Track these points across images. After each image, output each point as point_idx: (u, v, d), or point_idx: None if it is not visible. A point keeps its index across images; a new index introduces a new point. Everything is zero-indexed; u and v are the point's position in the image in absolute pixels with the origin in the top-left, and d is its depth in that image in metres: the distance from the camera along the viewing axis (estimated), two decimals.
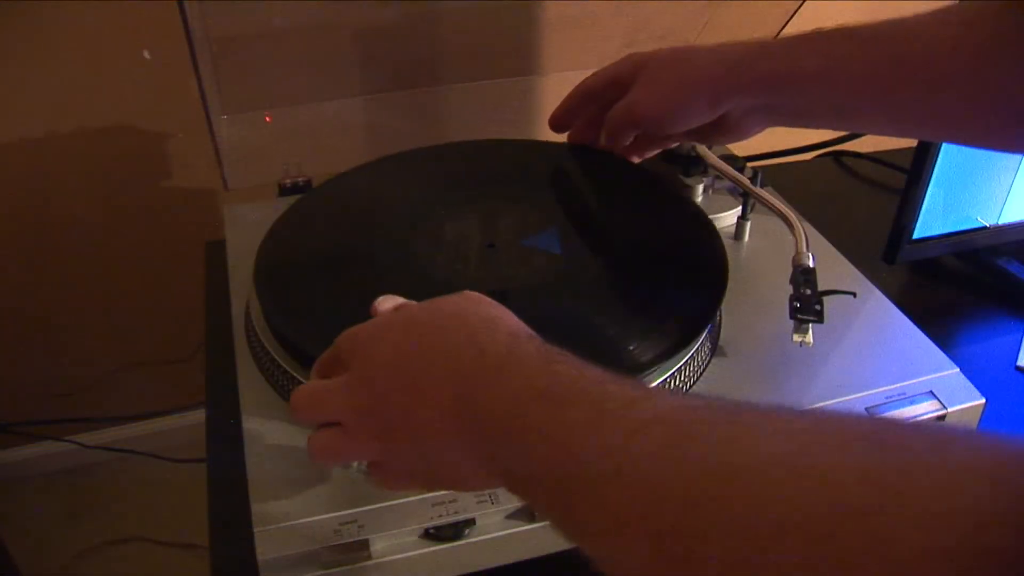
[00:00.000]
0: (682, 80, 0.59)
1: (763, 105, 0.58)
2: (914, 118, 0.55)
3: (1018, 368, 0.69)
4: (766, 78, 0.56)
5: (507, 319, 0.41)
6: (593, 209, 0.67)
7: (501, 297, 0.43)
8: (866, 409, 0.53)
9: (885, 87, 0.53)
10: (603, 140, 0.65)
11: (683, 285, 0.58)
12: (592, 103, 0.66)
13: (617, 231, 0.63)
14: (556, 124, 0.68)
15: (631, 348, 0.51)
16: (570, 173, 0.70)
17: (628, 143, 0.65)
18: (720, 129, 0.61)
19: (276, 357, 0.52)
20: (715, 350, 0.56)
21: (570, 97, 0.67)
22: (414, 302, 0.46)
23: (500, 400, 0.36)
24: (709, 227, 0.62)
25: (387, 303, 0.46)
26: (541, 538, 0.48)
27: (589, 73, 0.65)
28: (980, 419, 0.56)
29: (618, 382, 0.34)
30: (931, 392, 0.55)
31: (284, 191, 0.74)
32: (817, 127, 0.61)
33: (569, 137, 0.70)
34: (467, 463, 0.38)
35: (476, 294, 0.43)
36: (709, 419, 0.30)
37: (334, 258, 0.59)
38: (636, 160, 0.69)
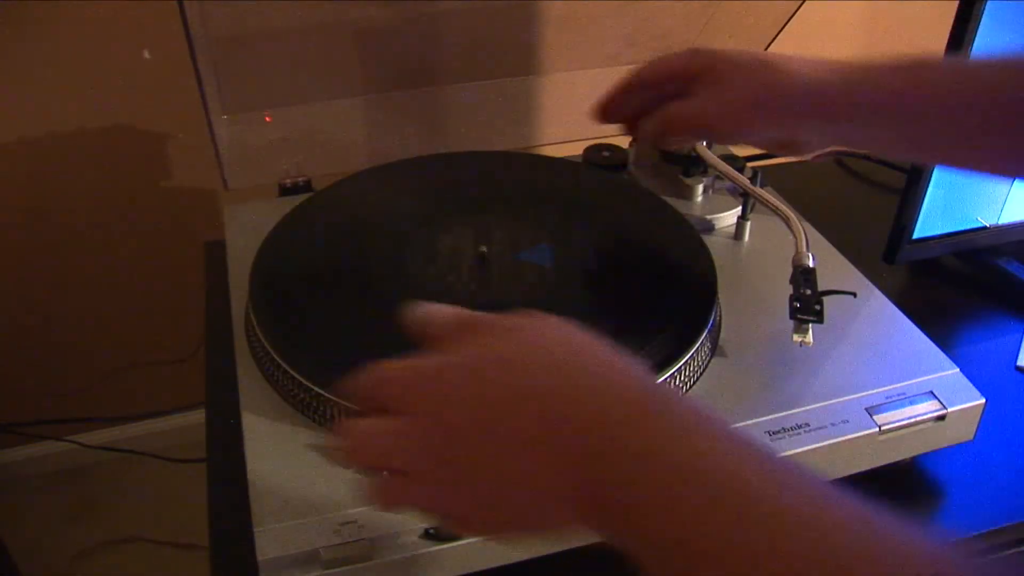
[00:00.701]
0: (760, 98, 0.53)
1: (843, 133, 0.55)
2: (1000, 157, 0.51)
3: (1018, 368, 0.69)
4: (861, 110, 0.51)
5: (601, 357, 0.38)
6: (578, 221, 0.67)
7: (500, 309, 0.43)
8: (866, 409, 0.53)
9: (985, 125, 0.49)
10: (648, 130, 0.59)
11: (672, 295, 0.58)
12: (645, 94, 0.59)
13: (604, 243, 0.64)
14: (604, 113, 0.61)
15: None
16: (555, 186, 0.70)
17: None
18: (780, 145, 0.57)
19: (276, 357, 0.52)
20: (715, 350, 0.56)
21: (622, 86, 0.60)
22: (480, 315, 0.40)
23: (629, 461, 0.33)
24: (692, 233, 0.63)
25: (441, 313, 0.41)
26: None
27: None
28: (980, 419, 0.56)
29: (754, 460, 0.33)
30: (931, 392, 0.55)
31: (284, 191, 0.74)
32: (885, 157, 0.58)
33: (607, 120, 0.62)
34: (555, 505, 0.35)
35: (556, 320, 0.39)
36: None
37: (331, 273, 0.59)
38: (664, 147, 0.66)
